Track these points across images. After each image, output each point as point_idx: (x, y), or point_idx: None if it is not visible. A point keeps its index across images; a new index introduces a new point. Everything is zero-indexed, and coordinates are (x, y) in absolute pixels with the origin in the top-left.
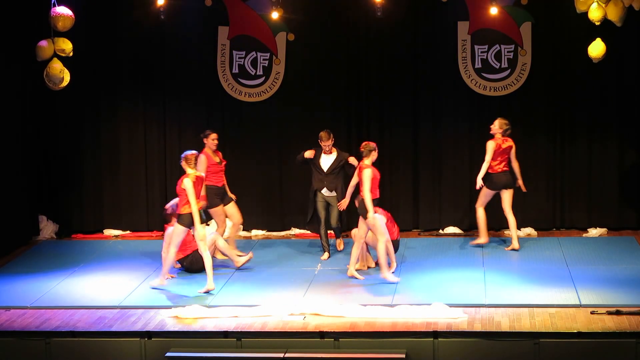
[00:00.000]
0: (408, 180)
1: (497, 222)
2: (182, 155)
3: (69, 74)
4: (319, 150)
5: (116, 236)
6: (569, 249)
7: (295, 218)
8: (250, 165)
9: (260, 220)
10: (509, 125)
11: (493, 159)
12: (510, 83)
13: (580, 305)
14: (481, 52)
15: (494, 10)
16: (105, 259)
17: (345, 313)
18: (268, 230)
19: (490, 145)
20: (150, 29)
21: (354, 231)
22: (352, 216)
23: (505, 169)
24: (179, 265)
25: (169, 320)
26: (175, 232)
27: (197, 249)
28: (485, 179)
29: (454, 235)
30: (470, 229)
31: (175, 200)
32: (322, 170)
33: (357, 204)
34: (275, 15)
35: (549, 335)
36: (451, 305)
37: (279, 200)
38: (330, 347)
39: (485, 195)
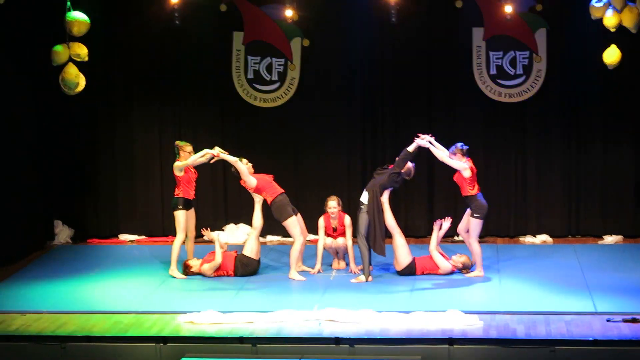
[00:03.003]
0: (423, 187)
1: (513, 229)
2: None
3: (84, 78)
4: None
5: (132, 241)
6: (584, 256)
7: (310, 224)
8: (264, 171)
9: (275, 225)
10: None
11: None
12: (525, 89)
13: (596, 313)
14: (496, 59)
15: (508, 17)
16: (120, 264)
17: (361, 319)
18: (283, 236)
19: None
20: (165, 34)
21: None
22: None
23: None
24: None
25: (184, 325)
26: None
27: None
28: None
29: None
30: (486, 235)
31: None
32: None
33: None
34: (290, 20)
35: (565, 343)
36: (466, 312)
37: (294, 206)
38: (346, 353)
39: None
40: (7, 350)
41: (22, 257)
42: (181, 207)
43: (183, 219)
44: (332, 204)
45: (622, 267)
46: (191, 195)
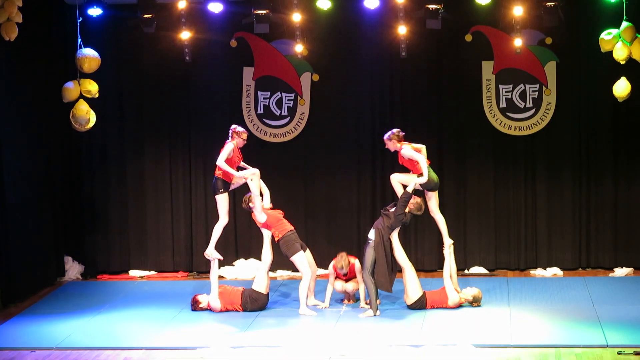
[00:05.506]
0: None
1: (523, 263)
2: None
3: (94, 115)
4: None
5: (142, 277)
6: (595, 288)
7: (319, 258)
8: (275, 206)
9: (285, 260)
10: None
11: None
12: (535, 122)
13: (607, 346)
14: (506, 92)
15: (518, 50)
16: (130, 300)
17: (371, 354)
18: (293, 271)
19: None
20: (176, 70)
21: None
22: None
23: None
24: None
25: None
26: None
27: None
28: None
29: (480, 275)
30: (496, 268)
31: None
32: None
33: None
34: (300, 55)
35: None
36: (477, 346)
37: (305, 241)
38: None
39: None
40: None
41: (32, 293)
42: (222, 190)
43: (225, 202)
44: (342, 264)
45: (633, 300)
46: (230, 178)
